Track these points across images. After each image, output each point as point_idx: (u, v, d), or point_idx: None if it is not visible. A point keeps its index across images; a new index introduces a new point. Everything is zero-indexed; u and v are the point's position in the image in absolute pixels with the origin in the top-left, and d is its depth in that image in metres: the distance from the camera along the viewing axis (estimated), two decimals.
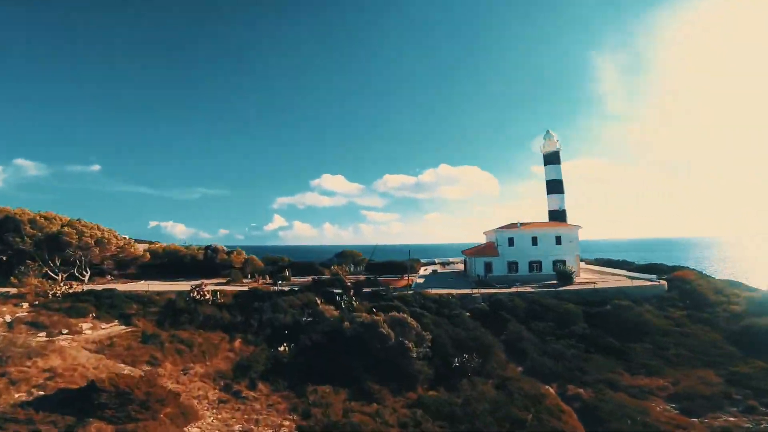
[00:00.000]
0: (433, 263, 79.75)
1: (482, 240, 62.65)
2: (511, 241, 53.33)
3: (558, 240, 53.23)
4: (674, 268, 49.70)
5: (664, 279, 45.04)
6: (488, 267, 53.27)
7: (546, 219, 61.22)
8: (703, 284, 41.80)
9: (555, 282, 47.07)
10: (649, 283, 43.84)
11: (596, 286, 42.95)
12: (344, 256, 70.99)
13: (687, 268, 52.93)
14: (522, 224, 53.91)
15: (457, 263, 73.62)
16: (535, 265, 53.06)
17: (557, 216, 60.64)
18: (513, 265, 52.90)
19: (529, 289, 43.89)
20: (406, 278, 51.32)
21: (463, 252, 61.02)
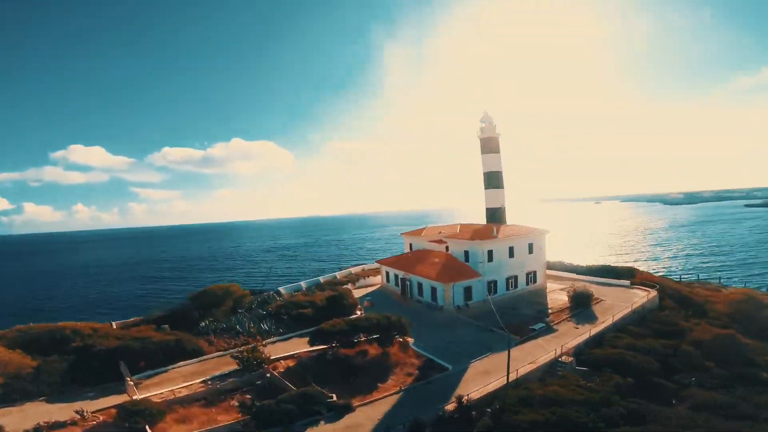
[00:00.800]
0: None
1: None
2: (490, 255, 41.34)
3: (530, 248, 44.83)
4: (630, 270, 48.94)
5: (639, 285, 42.82)
6: (468, 292, 39.90)
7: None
8: (685, 289, 41.03)
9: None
10: (644, 292, 40.40)
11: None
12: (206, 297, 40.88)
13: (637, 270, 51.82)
14: (497, 230, 42.48)
15: (366, 275, 56.06)
16: (511, 281, 43.17)
17: (496, 215, 52.37)
18: (492, 285, 41.44)
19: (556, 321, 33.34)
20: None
21: (410, 273, 44.28)
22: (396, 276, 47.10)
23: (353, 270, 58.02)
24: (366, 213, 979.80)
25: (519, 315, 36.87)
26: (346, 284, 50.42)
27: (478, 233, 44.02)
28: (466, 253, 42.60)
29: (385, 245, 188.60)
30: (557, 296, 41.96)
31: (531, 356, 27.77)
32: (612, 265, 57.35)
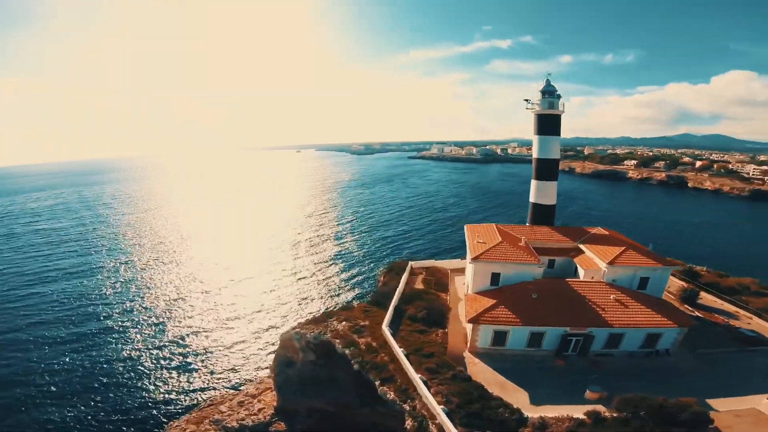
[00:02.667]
0: None
1: None
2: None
3: None
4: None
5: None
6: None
7: None
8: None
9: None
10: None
11: None
12: None
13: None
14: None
15: None
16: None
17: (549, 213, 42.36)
18: None
19: None
20: None
21: (589, 324, 29.02)
22: (537, 333, 29.47)
23: None
24: None
25: None
26: None
27: (639, 250, 34.26)
28: (644, 280, 32.74)
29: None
30: None
31: None
32: None
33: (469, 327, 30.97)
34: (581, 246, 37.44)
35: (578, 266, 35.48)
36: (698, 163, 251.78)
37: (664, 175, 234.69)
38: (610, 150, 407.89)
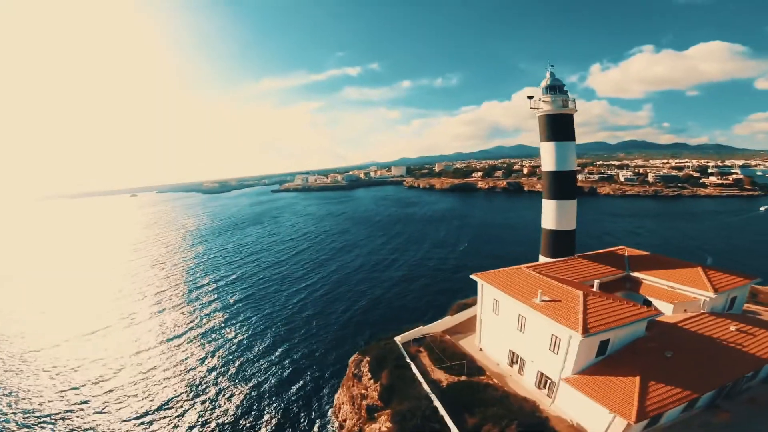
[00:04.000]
0: None
1: None
2: None
3: None
4: None
5: None
6: None
7: None
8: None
9: None
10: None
11: None
12: None
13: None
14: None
15: None
16: None
17: (569, 238, 37.48)
18: None
19: None
20: None
21: None
22: None
23: None
24: None
25: None
26: None
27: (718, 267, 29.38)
28: (733, 300, 29.35)
29: None
30: None
31: None
32: None
33: (620, 423, 21.18)
34: (637, 275, 32.34)
35: (652, 300, 30.06)
36: (525, 170, 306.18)
37: (505, 182, 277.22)
38: (458, 165, 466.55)
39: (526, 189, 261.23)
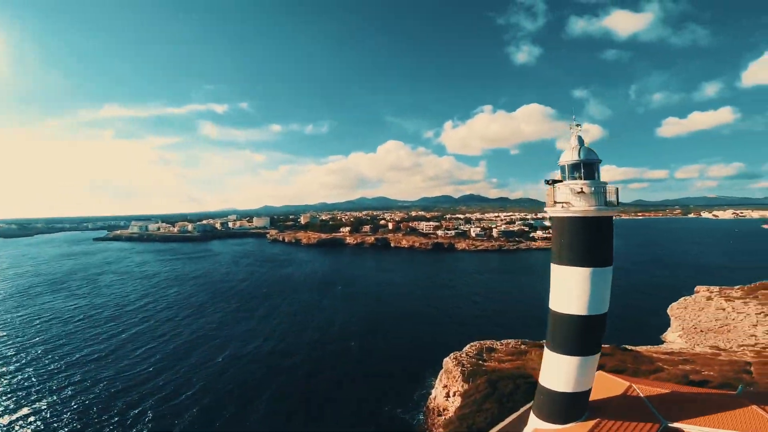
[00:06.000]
0: None
1: None
2: None
3: None
4: None
5: None
6: None
7: None
8: None
9: None
10: None
11: None
12: None
13: None
14: None
15: None
16: None
17: None
18: None
19: None
20: None
21: None
22: None
23: None
24: None
25: None
26: None
27: None
28: None
29: None
30: None
31: None
32: None
33: None
34: (679, 425, 25.26)
35: None
36: (390, 225, 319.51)
37: (373, 238, 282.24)
38: (323, 216, 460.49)
39: (392, 245, 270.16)
